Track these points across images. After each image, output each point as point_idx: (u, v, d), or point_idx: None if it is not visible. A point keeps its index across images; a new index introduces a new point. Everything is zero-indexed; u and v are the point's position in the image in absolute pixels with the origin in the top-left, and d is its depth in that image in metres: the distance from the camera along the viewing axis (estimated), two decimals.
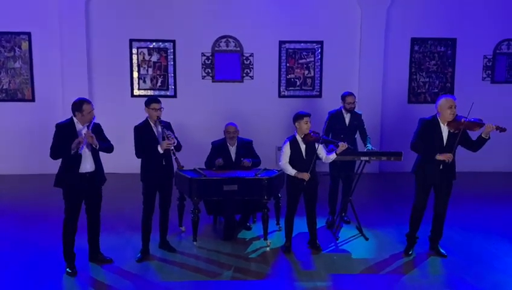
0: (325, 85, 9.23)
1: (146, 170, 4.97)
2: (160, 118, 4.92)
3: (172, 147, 4.78)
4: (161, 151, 4.82)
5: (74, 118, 4.54)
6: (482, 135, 4.70)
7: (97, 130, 4.64)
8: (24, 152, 8.85)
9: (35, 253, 5.09)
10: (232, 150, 5.90)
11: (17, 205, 6.99)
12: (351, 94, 6.04)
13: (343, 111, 6.05)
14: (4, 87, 8.87)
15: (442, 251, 5.11)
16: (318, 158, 5.17)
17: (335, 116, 6.04)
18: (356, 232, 5.79)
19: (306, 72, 9.25)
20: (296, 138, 5.11)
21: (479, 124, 4.65)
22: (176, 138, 4.98)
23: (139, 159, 5.01)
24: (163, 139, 4.85)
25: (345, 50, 9.18)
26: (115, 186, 7.59)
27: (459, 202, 6.80)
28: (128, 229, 5.78)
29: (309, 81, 9.27)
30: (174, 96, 9.09)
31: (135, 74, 9.03)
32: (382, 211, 6.76)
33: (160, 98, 5.04)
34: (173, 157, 4.83)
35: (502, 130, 4.54)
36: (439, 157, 4.76)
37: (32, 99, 8.94)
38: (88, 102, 4.55)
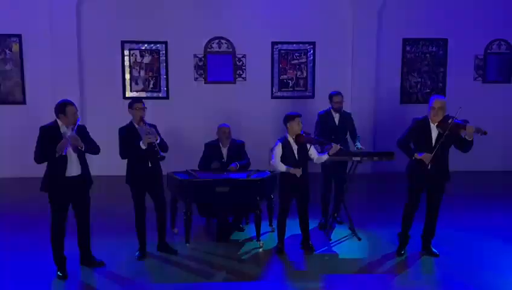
0: (317, 86, 9.24)
1: (132, 172, 4.97)
2: (143, 119, 4.88)
3: (154, 140, 4.73)
4: (143, 147, 4.77)
5: (58, 121, 4.48)
6: (466, 137, 4.70)
7: (82, 132, 4.58)
8: (15, 155, 8.75)
9: (26, 257, 5.04)
10: (224, 150, 5.91)
11: (9, 208, 6.94)
12: (338, 94, 6.02)
13: (332, 111, 6.05)
14: None
15: (434, 250, 5.11)
16: (309, 159, 5.17)
17: (324, 117, 6.02)
18: (349, 233, 5.78)
19: (298, 73, 9.25)
20: (287, 139, 5.10)
21: (463, 126, 4.64)
22: (162, 139, 4.98)
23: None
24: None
25: (337, 51, 9.20)
26: (108, 188, 7.57)
27: (451, 202, 6.79)
28: (121, 232, 5.73)
29: (301, 82, 9.28)
30: (167, 97, 9.06)
31: (127, 76, 9.00)
32: (375, 212, 6.77)
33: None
34: (155, 149, 4.73)
35: (483, 133, 4.50)
36: (417, 157, 4.78)
37: (23, 102, 8.89)
38: (71, 104, 4.49)
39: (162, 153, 4.75)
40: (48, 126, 4.49)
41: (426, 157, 4.76)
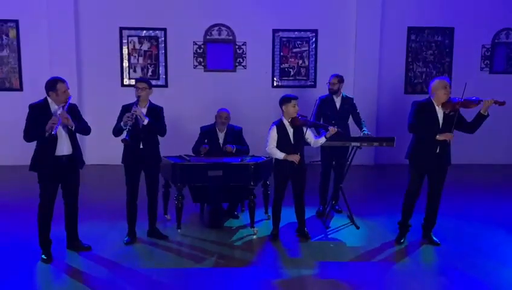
0: (319, 75, 9.02)
1: (124, 151, 4.83)
2: (139, 98, 4.72)
3: (129, 121, 4.53)
4: (123, 127, 4.59)
5: (48, 98, 4.35)
6: (481, 112, 4.53)
7: (73, 111, 4.44)
8: (12, 142, 8.60)
9: (11, 241, 4.89)
10: (221, 135, 5.74)
11: (3, 195, 6.82)
12: (335, 76, 5.84)
13: (334, 96, 5.85)
14: None
15: (435, 239, 4.91)
16: (306, 143, 4.98)
17: (325, 101, 5.81)
18: (347, 221, 5.59)
19: (300, 61, 9.05)
20: (283, 122, 4.91)
21: (475, 101, 4.49)
22: (155, 122, 4.80)
23: None
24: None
25: (340, 39, 8.98)
26: (105, 177, 7.44)
27: (454, 192, 6.61)
28: (111, 219, 5.58)
29: (303, 70, 9.07)
30: (165, 85, 8.90)
31: (125, 63, 8.84)
32: (375, 202, 6.56)
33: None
34: (125, 129, 4.55)
35: (501, 103, 4.40)
36: (440, 137, 4.58)
37: (20, 89, 8.77)
38: (62, 81, 4.34)
39: (126, 137, 4.51)
40: (38, 104, 4.35)
41: (449, 136, 4.58)
